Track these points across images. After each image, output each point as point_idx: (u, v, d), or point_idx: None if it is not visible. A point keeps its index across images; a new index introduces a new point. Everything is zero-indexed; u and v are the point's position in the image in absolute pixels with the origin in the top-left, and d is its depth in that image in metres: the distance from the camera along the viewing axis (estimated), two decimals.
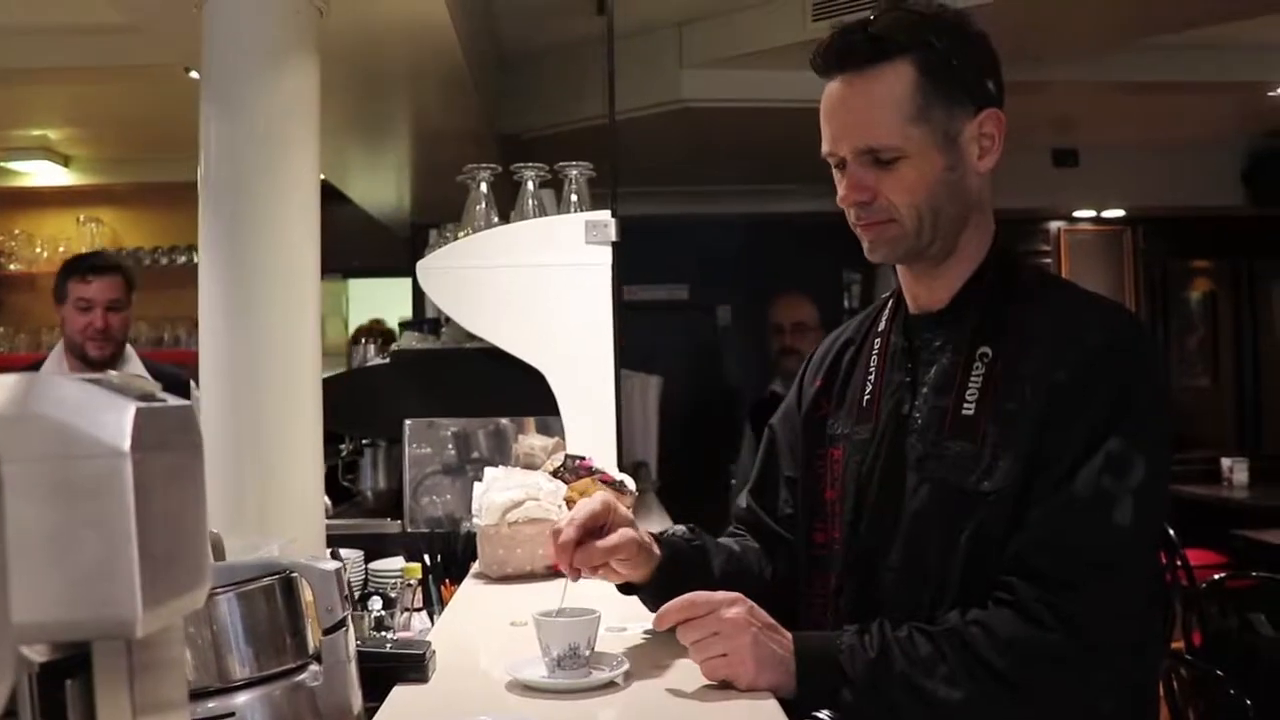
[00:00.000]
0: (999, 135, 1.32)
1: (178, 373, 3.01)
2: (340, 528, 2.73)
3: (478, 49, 3.43)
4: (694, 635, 1.25)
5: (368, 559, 2.61)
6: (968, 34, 1.33)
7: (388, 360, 2.95)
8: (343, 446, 3.06)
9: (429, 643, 1.39)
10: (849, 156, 1.32)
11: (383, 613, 2.17)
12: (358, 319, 6.25)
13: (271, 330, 2.34)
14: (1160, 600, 1.30)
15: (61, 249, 5.58)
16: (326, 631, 1.21)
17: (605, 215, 2.62)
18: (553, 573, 2.12)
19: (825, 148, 1.35)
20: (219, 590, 1.17)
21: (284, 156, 2.30)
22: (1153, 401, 1.25)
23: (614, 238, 2.61)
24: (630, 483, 2.34)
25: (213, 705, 1.14)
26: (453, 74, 3.10)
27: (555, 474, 2.28)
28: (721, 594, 1.28)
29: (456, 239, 2.74)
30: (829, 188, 1.38)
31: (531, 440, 2.86)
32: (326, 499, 3.07)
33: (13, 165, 5.35)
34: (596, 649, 1.33)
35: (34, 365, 3.43)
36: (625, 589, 1.49)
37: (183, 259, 5.38)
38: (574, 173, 2.69)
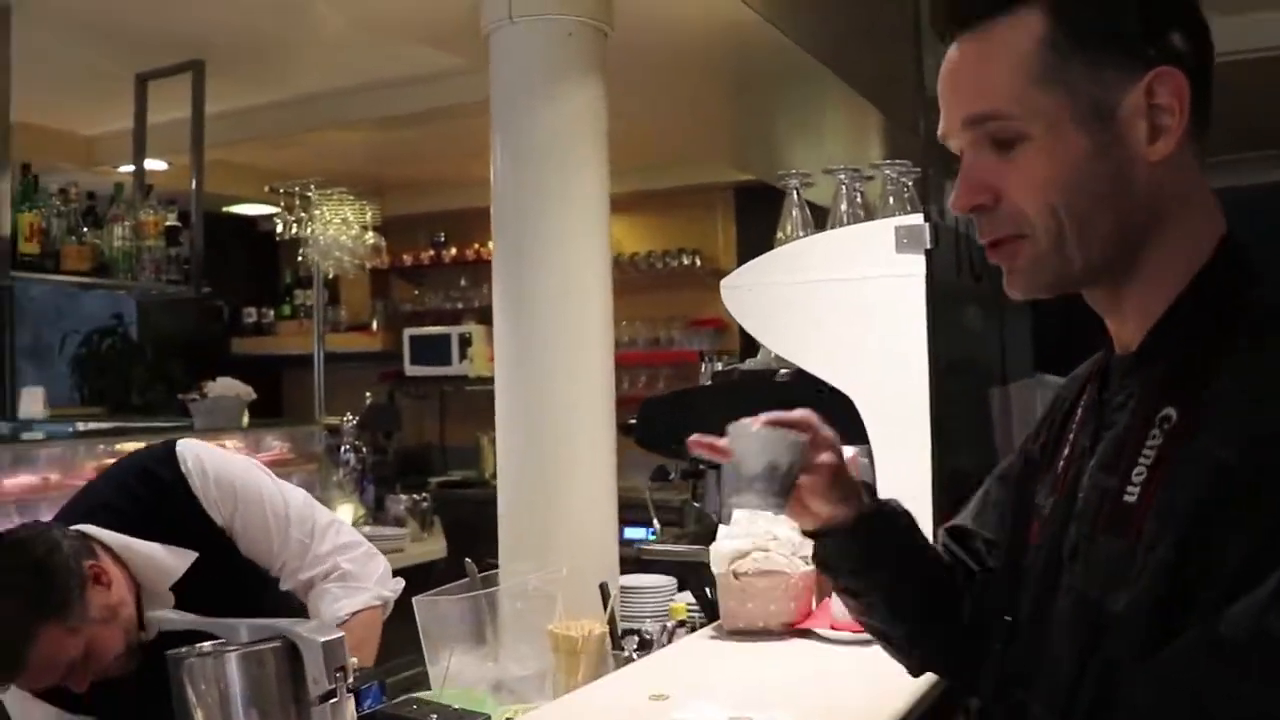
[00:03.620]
0: (1181, 106, 0.89)
1: None
2: (658, 553, 2.69)
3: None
4: None
5: (681, 587, 2.52)
6: None
7: (709, 383, 2.85)
8: (669, 469, 3.02)
9: (487, 716, 1.28)
10: (960, 139, 0.97)
11: (634, 655, 2.08)
12: None
13: (561, 356, 2.36)
14: None
15: None
16: (320, 699, 1.16)
17: (917, 219, 2.28)
18: (791, 631, 1.89)
19: (939, 132, 1.00)
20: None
21: (563, 175, 2.30)
22: None
23: (928, 244, 2.26)
24: None
25: None
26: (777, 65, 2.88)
27: None
28: None
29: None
30: None
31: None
32: (656, 522, 3.06)
33: None
34: None
35: None
36: (809, 533, 1.24)
37: (674, 263, 5.74)
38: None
